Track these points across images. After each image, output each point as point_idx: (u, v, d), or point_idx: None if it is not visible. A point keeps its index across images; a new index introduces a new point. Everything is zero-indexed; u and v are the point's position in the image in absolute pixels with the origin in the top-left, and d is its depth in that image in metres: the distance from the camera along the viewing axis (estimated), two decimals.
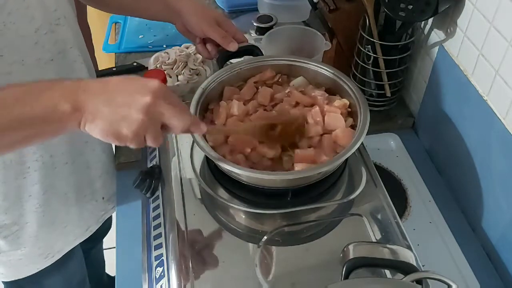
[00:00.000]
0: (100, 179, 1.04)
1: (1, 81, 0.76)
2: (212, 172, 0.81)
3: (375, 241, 0.74)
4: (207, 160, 0.83)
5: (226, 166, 0.73)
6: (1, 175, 0.86)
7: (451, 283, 0.62)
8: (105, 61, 1.75)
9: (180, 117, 0.64)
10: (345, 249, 0.67)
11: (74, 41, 0.88)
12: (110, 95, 0.62)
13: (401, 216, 0.95)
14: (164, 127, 0.65)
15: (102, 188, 1.06)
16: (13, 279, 1.02)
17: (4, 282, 1.05)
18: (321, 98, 0.83)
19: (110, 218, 1.35)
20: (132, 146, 0.64)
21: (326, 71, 0.86)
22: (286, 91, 0.85)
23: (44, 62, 0.82)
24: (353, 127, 0.80)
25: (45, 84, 0.64)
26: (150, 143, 0.64)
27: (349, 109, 0.83)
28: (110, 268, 1.54)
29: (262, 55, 0.94)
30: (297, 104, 0.83)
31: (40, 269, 1.01)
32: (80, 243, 1.08)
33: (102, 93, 0.62)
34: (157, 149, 0.92)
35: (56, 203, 0.96)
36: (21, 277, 1.01)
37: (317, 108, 0.80)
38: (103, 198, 1.07)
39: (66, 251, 1.04)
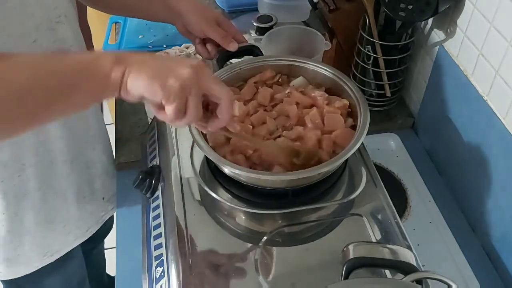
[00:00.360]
0: (99, 179, 1.04)
1: None
2: (212, 172, 0.81)
3: (375, 241, 0.74)
4: (207, 160, 0.83)
5: (226, 167, 0.73)
6: None
7: (451, 283, 0.62)
8: None
9: (225, 90, 0.63)
10: (345, 249, 0.67)
11: (74, 40, 0.88)
12: (158, 57, 0.62)
13: (401, 216, 0.95)
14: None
15: (102, 188, 1.06)
16: (11, 278, 1.02)
17: (3, 281, 1.05)
18: (321, 98, 0.83)
19: (111, 219, 1.35)
20: (172, 106, 0.60)
21: (326, 71, 0.86)
22: (286, 92, 0.85)
23: None
24: (353, 127, 0.80)
25: (77, 52, 0.62)
26: (191, 110, 0.62)
27: (349, 109, 0.83)
28: (110, 268, 1.54)
29: (262, 55, 0.94)
30: (297, 104, 0.83)
31: (38, 268, 1.01)
32: (81, 244, 1.08)
33: (147, 56, 0.62)
34: (157, 149, 0.92)
35: (53, 201, 0.96)
36: (19, 276, 1.01)
37: (314, 110, 0.80)
38: (103, 198, 1.07)
39: (66, 252, 1.04)
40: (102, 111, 1.07)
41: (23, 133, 0.63)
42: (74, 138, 0.94)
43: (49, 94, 0.57)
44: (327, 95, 0.84)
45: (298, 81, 0.88)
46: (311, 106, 0.83)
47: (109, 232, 1.38)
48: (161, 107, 0.63)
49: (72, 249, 1.06)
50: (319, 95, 0.84)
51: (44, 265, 1.02)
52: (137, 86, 0.59)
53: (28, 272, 1.01)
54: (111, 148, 1.10)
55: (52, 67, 0.56)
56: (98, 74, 0.58)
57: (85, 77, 0.58)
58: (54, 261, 1.03)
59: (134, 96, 0.61)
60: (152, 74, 0.59)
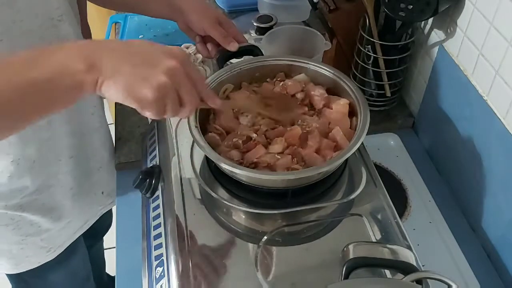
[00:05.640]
0: (98, 173, 1.05)
1: None
2: (212, 172, 0.81)
3: (375, 241, 0.74)
4: (207, 160, 0.83)
5: (226, 166, 0.73)
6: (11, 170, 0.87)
7: (451, 283, 0.62)
8: None
9: (194, 94, 0.62)
10: (345, 249, 0.67)
11: (75, 38, 0.89)
12: (132, 54, 0.59)
13: (401, 216, 0.95)
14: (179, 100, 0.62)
15: (101, 182, 1.07)
16: (14, 272, 1.03)
17: (8, 275, 1.06)
18: (318, 99, 0.83)
19: (110, 216, 1.35)
20: (151, 113, 0.60)
21: (326, 71, 0.86)
22: (280, 84, 0.86)
23: None
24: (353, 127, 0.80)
25: (56, 46, 0.59)
26: (170, 111, 0.61)
27: (349, 108, 0.83)
28: (110, 268, 1.54)
29: (262, 55, 0.94)
30: (293, 95, 0.85)
31: (41, 263, 1.02)
32: (83, 241, 1.09)
33: (122, 51, 0.59)
34: (157, 149, 0.92)
35: (55, 195, 0.96)
36: (22, 271, 1.02)
37: (316, 133, 0.79)
38: (102, 192, 1.08)
39: (67, 245, 1.05)
40: (103, 104, 1.08)
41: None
42: (74, 132, 0.95)
43: (27, 105, 0.57)
44: (326, 95, 0.84)
45: (299, 78, 0.88)
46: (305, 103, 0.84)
47: (108, 229, 1.38)
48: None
49: (76, 244, 1.07)
50: (317, 94, 0.83)
51: (47, 260, 1.02)
52: (111, 95, 0.59)
53: (32, 267, 1.02)
54: (112, 143, 1.10)
55: (23, 79, 0.55)
56: (72, 83, 0.57)
57: (59, 88, 0.57)
58: (58, 256, 1.03)
59: (112, 100, 0.60)
60: (124, 85, 0.58)
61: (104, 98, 0.62)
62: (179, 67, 0.60)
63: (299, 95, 0.85)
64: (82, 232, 1.08)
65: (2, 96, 0.54)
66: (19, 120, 0.59)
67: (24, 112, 0.58)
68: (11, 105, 0.56)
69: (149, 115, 0.61)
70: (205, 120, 0.81)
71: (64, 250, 1.05)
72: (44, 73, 0.56)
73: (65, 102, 0.61)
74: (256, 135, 0.78)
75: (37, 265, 1.02)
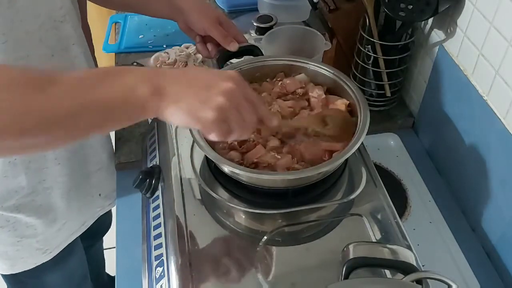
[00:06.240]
0: (96, 174, 1.05)
1: None
2: (212, 172, 0.81)
3: (375, 241, 0.74)
4: (207, 160, 0.83)
5: (226, 167, 0.73)
6: (7, 171, 0.87)
7: (451, 283, 0.62)
8: (105, 61, 1.75)
9: (253, 113, 0.63)
10: (345, 249, 0.67)
11: (76, 39, 0.89)
12: (191, 80, 0.61)
13: (401, 216, 0.95)
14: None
15: (99, 184, 1.06)
16: (9, 273, 1.02)
17: (4, 276, 1.06)
18: (315, 100, 0.83)
19: (110, 216, 1.35)
20: (215, 134, 0.62)
21: (326, 71, 0.86)
22: (279, 84, 0.86)
23: (46, 58, 0.83)
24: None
25: (116, 70, 0.61)
26: (236, 131, 0.62)
27: (349, 108, 0.83)
28: (110, 268, 1.54)
29: (262, 55, 0.94)
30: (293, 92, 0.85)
31: (37, 265, 1.02)
32: (80, 241, 1.09)
33: (182, 77, 0.61)
34: (157, 149, 0.92)
35: (52, 197, 0.96)
36: (18, 271, 1.02)
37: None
38: (99, 194, 1.07)
39: (64, 246, 1.05)
40: None
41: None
42: None
43: (90, 121, 0.58)
44: (323, 96, 0.84)
45: (299, 78, 0.88)
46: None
47: (107, 230, 1.38)
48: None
49: (73, 244, 1.06)
50: (315, 96, 0.83)
51: (44, 261, 1.02)
52: (175, 120, 0.61)
53: (28, 268, 1.02)
54: (111, 146, 1.10)
55: (90, 98, 0.57)
56: (136, 106, 0.59)
57: (123, 109, 0.59)
58: (54, 256, 1.03)
59: (174, 124, 0.62)
60: (187, 109, 0.60)
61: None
62: (235, 88, 0.61)
63: (299, 91, 0.85)
64: (79, 234, 1.08)
65: (62, 108, 0.56)
66: (69, 135, 0.60)
67: (77, 127, 0.58)
68: (69, 119, 0.57)
69: (213, 136, 0.63)
70: None
71: (61, 251, 1.05)
72: (111, 92, 0.57)
73: (122, 122, 0.62)
74: (253, 135, 0.78)
75: (33, 266, 1.02)
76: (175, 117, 0.60)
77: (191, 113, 0.60)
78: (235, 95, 0.61)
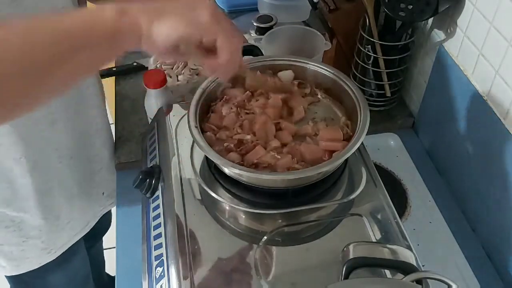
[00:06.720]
0: (99, 173, 1.05)
1: None
2: (212, 172, 0.81)
3: (375, 241, 0.74)
4: (207, 160, 0.83)
5: (226, 167, 0.73)
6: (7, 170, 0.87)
7: (451, 283, 0.62)
8: None
9: (235, 34, 0.61)
10: (345, 249, 0.67)
11: None
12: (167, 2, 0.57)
13: (401, 216, 0.95)
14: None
15: (102, 183, 1.07)
16: (14, 274, 1.03)
17: (8, 277, 1.06)
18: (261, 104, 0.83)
19: (110, 216, 1.35)
20: (222, 37, 0.58)
21: (326, 71, 0.86)
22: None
23: None
24: (348, 139, 0.79)
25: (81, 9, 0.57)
26: (224, 44, 0.59)
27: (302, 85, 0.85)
28: (110, 268, 1.54)
29: (262, 55, 0.94)
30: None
31: (42, 264, 1.02)
32: (83, 242, 1.09)
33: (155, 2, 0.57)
34: (157, 149, 0.92)
35: (56, 197, 0.96)
36: (22, 272, 1.02)
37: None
38: (103, 193, 1.08)
39: (68, 247, 1.05)
40: (105, 105, 1.08)
41: (27, 112, 0.58)
42: (77, 133, 0.95)
43: (51, 59, 0.52)
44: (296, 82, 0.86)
45: (285, 73, 0.88)
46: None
47: (107, 230, 1.38)
48: (207, 51, 0.60)
49: (76, 245, 1.07)
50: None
51: (48, 261, 1.02)
52: (165, 31, 0.56)
53: (32, 269, 1.02)
54: (112, 144, 1.11)
55: (59, 29, 0.52)
56: (105, 28, 0.54)
57: (94, 36, 0.54)
58: (58, 257, 1.03)
59: (163, 45, 0.56)
60: (178, 18, 0.56)
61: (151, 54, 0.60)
62: (215, 10, 0.59)
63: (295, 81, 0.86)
64: (84, 234, 1.08)
65: (37, 50, 0.51)
66: (46, 75, 0.53)
67: (52, 63, 0.53)
68: (32, 61, 0.51)
69: (223, 43, 0.59)
70: (201, 121, 0.81)
71: (64, 251, 1.05)
72: (76, 22, 0.53)
73: (100, 53, 0.57)
74: (249, 136, 0.78)
75: (38, 266, 1.02)
76: (165, 29, 0.55)
77: (186, 20, 0.56)
78: (218, 13, 0.59)
